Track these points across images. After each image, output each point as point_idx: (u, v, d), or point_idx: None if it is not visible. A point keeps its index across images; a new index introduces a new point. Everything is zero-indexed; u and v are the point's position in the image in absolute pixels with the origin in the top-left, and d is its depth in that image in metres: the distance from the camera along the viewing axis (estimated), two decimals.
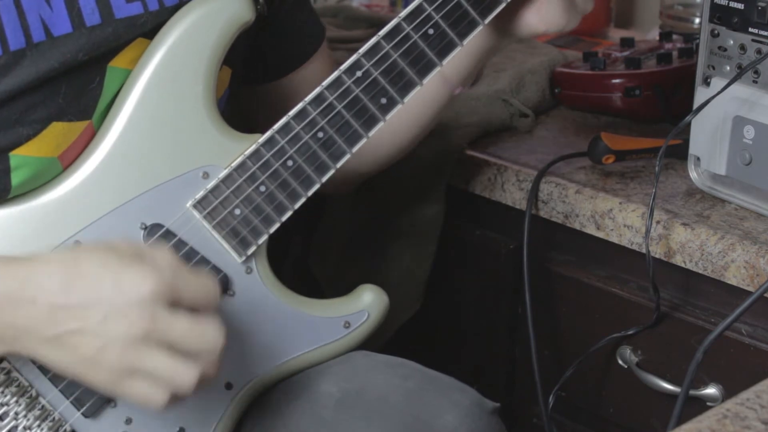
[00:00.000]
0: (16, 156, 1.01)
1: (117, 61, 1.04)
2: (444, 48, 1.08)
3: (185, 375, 0.91)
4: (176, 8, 1.06)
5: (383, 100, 1.07)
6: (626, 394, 1.34)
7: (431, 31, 1.08)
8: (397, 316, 1.47)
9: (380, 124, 1.08)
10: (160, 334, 0.90)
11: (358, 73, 1.07)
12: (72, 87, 1.02)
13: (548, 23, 1.13)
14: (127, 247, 0.93)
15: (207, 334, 0.92)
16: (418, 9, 1.07)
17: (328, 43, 1.70)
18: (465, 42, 1.09)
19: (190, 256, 1.05)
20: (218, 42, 1.05)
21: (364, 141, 1.08)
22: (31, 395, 1.01)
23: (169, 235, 1.04)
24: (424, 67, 1.08)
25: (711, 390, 1.25)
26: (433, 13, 1.07)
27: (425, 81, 1.08)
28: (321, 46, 1.26)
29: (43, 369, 1.01)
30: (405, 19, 1.07)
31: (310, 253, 1.53)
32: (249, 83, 1.22)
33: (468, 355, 1.50)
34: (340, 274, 1.49)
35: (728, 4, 1.22)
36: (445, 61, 1.08)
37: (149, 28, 1.05)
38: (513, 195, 1.38)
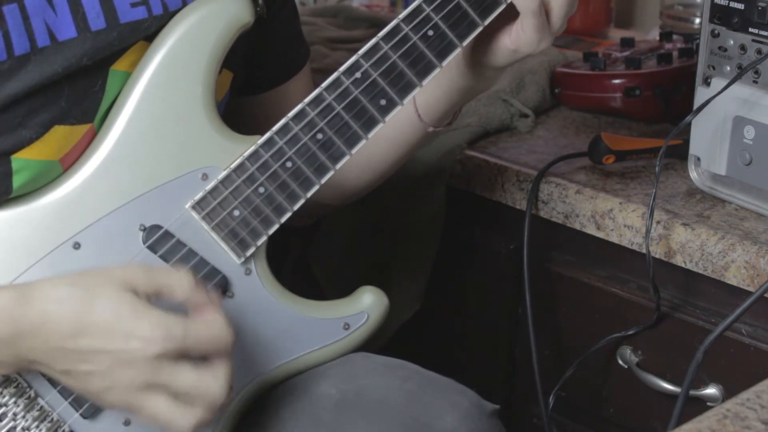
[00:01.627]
0: (18, 159, 1.01)
1: (118, 65, 1.04)
2: (444, 49, 1.07)
3: (183, 421, 0.95)
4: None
5: (383, 102, 1.07)
6: (626, 394, 1.34)
7: (431, 33, 1.07)
8: (398, 316, 1.47)
9: (380, 125, 1.07)
10: (162, 385, 0.94)
11: (357, 74, 1.06)
12: (74, 90, 1.02)
13: (520, 43, 1.09)
14: (145, 282, 0.95)
15: (209, 388, 0.95)
16: (418, 10, 1.07)
17: (327, 43, 1.71)
18: (465, 43, 1.08)
19: (188, 257, 1.05)
20: (218, 43, 1.05)
21: (363, 142, 1.07)
22: (29, 396, 1.01)
23: (167, 236, 1.04)
24: (424, 69, 1.07)
25: (711, 390, 1.25)
26: (432, 14, 1.06)
27: (425, 82, 1.08)
28: (306, 66, 1.26)
29: None
30: (404, 20, 1.06)
31: (310, 253, 1.53)
32: (235, 94, 1.22)
33: (468, 355, 1.50)
34: (340, 274, 1.49)
35: (728, 4, 1.22)
36: (445, 63, 1.08)
37: (153, 31, 1.05)
38: (513, 195, 1.38)
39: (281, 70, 1.23)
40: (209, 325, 0.96)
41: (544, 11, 1.07)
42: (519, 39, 1.09)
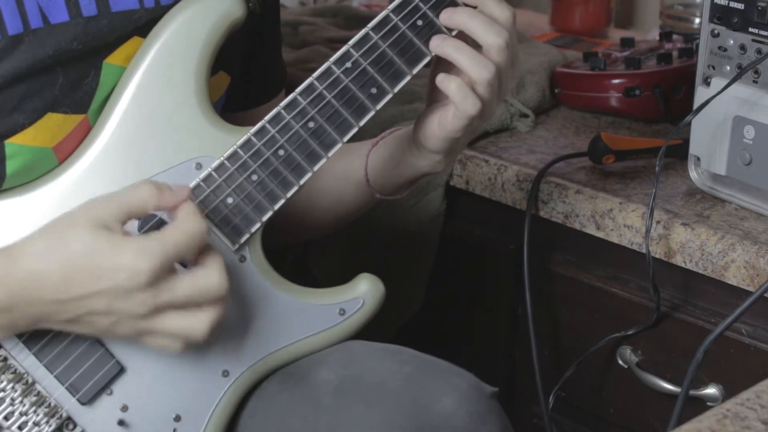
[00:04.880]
0: (12, 144, 1.02)
1: (112, 58, 1.06)
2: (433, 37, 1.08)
3: (198, 326, 0.98)
4: (171, 7, 1.08)
5: (373, 90, 1.08)
6: (626, 394, 1.34)
7: (420, 22, 1.08)
8: (397, 317, 1.47)
9: (371, 113, 1.08)
10: (166, 303, 0.96)
11: (348, 64, 1.07)
12: (68, 79, 1.03)
13: (446, 128, 1.10)
14: (110, 212, 0.97)
15: (208, 283, 0.98)
16: (407, 0, 1.08)
17: (327, 43, 1.71)
18: (454, 33, 1.09)
19: None
20: (209, 38, 1.07)
21: (355, 130, 1.08)
22: (26, 381, 1.02)
23: (162, 224, 1.05)
24: (413, 57, 1.08)
25: (711, 390, 1.25)
26: (421, 4, 1.08)
27: (415, 71, 1.09)
28: (281, 93, 1.27)
29: (39, 356, 1.02)
30: (394, 10, 1.08)
31: (310, 252, 1.53)
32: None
33: (468, 355, 1.50)
34: (339, 274, 1.49)
35: (728, 4, 1.22)
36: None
37: (143, 23, 1.07)
38: (513, 195, 1.38)
39: (251, 96, 1.24)
40: (183, 226, 0.98)
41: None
42: (444, 129, 1.10)
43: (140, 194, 0.98)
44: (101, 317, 0.97)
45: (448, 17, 1.08)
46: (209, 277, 0.98)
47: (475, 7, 1.08)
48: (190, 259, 0.99)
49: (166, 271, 0.96)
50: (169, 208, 0.99)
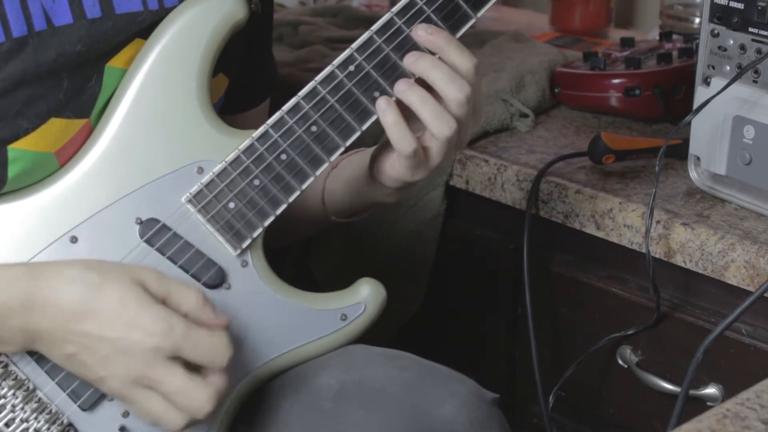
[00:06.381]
0: (14, 149, 1.02)
1: (115, 61, 1.05)
2: None
3: (172, 419, 0.98)
4: (174, 8, 1.07)
5: (376, 94, 1.07)
6: (626, 394, 1.34)
7: None
8: (397, 317, 1.47)
9: (374, 118, 1.08)
10: (153, 383, 0.97)
11: (351, 68, 1.07)
12: (73, 83, 1.03)
13: (396, 174, 1.09)
14: (156, 284, 0.98)
15: (194, 398, 0.97)
16: (411, 3, 1.07)
17: (327, 43, 1.71)
18: (458, 35, 1.08)
19: (184, 249, 1.06)
20: (211, 40, 1.06)
21: (358, 134, 1.08)
22: (27, 388, 1.02)
23: (164, 229, 1.05)
24: None
25: (711, 390, 1.25)
26: (425, 7, 1.07)
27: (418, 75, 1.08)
28: (267, 99, 1.27)
29: (40, 362, 1.02)
30: (397, 13, 1.07)
31: (310, 253, 1.53)
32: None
33: (468, 355, 1.50)
34: (339, 274, 1.49)
35: (728, 4, 1.22)
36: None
37: (147, 26, 1.06)
38: (513, 195, 1.38)
39: (243, 100, 1.24)
40: (211, 336, 0.97)
41: (421, 151, 1.06)
42: (395, 170, 1.09)
43: (187, 291, 0.99)
44: (95, 367, 0.97)
45: (412, 63, 1.06)
46: (200, 394, 0.97)
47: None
48: (198, 365, 0.98)
49: (171, 354, 0.96)
50: (201, 322, 0.98)
